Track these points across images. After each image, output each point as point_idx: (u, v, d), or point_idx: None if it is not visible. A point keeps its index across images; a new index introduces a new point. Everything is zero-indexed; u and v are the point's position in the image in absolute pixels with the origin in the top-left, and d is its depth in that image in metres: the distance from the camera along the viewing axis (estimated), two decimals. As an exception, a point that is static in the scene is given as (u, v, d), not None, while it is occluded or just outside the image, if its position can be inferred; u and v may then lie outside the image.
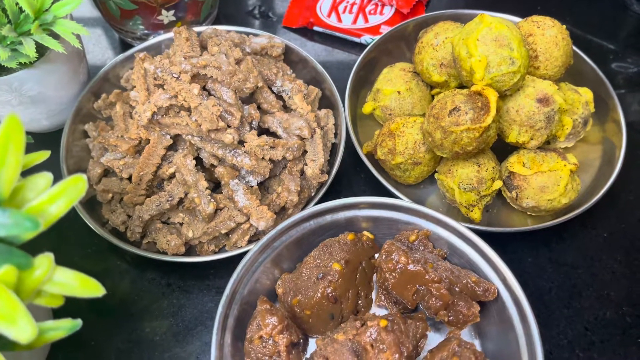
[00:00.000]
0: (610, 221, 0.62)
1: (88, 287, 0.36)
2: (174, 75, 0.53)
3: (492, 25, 0.51)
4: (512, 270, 0.48)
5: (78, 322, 0.37)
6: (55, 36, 0.53)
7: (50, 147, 0.61)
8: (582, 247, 0.60)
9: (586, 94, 0.61)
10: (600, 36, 0.79)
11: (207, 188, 0.54)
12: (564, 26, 0.59)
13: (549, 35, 0.58)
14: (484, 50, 0.51)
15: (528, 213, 0.59)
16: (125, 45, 0.77)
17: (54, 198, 0.34)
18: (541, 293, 0.57)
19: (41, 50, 0.54)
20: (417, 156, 0.57)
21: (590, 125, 0.61)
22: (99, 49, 0.77)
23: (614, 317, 0.56)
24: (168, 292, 0.58)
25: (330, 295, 0.50)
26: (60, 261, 0.58)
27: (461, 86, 0.61)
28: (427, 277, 0.49)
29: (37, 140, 0.68)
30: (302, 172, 0.59)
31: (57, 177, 0.57)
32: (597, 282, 0.58)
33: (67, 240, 0.60)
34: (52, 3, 0.52)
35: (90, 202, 0.59)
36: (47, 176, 0.36)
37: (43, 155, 0.42)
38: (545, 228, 0.55)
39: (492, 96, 0.51)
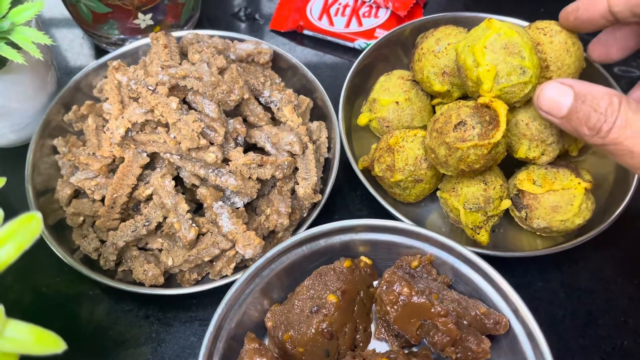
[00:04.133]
0: (626, 240, 0.57)
1: (46, 343, 0.31)
2: (149, 87, 0.48)
3: (502, 31, 0.47)
4: (521, 297, 0.44)
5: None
6: (17, 45, 0.48)
7: (17, 163, 0.56)
8: (596, 270, 0.56)
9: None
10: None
11: (188, 211, 0.49)
12: (572, 29, 0.55)
13: (558, 42, 0.53)
14: (493, 58, 0.46)
15: (538, 233, 0.54)
16: (100, 50, 0.71)
17: (2, 241, 0.29)
18: (554, 321, 0.53)
19: (1, 60, 0.49)
20: (419, 173, 0.53)
21: (602, 137, 0.57)
22: (71, 54, 0.72)
23: (633, 346, 0.52)
24: (146, 324, 0.53)
25: (325, 330, 0.45)
26: (26, 289, 0.54)
27: (464, 97, 0.56)
28: (432, 310, 0.44)
29: (3, 156, 0.63)
30: (293, 192, 0.54)
31: (23, 198, 0.53)
32: (614, 308, 0.53)
33: (34, 264, 0.55)
34: (10, 9, 0.46)
35: (60, 226, 0.54)
36: (-4, 213, 0.31)
37: (-3, 182, 0.36)
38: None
39: (502, 109, 0.46)
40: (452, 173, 0.50)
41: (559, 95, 0.41)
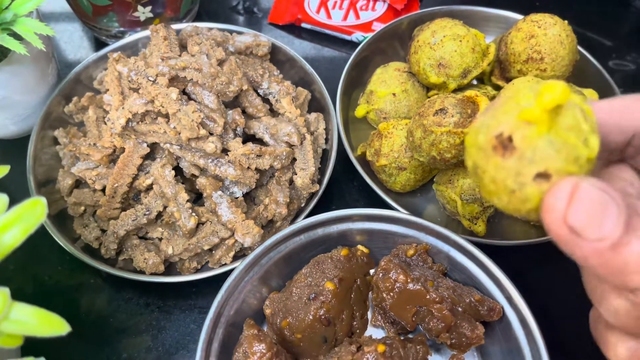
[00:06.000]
0: (617, 230, 0.58)
1: (50, 325, 0.32)
2: (149, 78, 0.49)
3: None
4: (515, 284, 0.45)
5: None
6: (18, 36, 0.49)
7: (18, 154, 0.57)
8: (589, 259, 0.56)
9: (591, 96, 0.58)
10: (598, 33, 0.76)
11: (187, 201, 0.50)
12: (566, 22, 0.55)
13: (552, 35, 0.54)
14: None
15: (531, 223, 0.55)
16: (100, 43, 0.72)
17: (8, 225, 0.30)
18: (546, 308, 0.54)
19: (3, 51, 0.49)
20: (402, 160, 0.53)
21: (595, 129, 0.58)
22: (71, 47, 0.72)
23: (624, 333, 0.52)
24: (147, 312, 0.54)
25: (323, 317, 0.46)
26: (27, 278, 0.55)
27: (460, 89, 0.57)
28: (427, 297, 0.45)
29: (4, 147, 0.63)
30: (291, 182, 0.55)
31: (24, 189, 0.54)
32: (606, 297, 0.54)
33: (36, 253, 0.56)
34: (12, 0, 0.47)
35: (61, 215, 0.54)
36: (0, 199, 0.32)
37: (1, 171, 0.37)
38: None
39: (484, 104, 0.47)
40: (424, 159, 0.50)
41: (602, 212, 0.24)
